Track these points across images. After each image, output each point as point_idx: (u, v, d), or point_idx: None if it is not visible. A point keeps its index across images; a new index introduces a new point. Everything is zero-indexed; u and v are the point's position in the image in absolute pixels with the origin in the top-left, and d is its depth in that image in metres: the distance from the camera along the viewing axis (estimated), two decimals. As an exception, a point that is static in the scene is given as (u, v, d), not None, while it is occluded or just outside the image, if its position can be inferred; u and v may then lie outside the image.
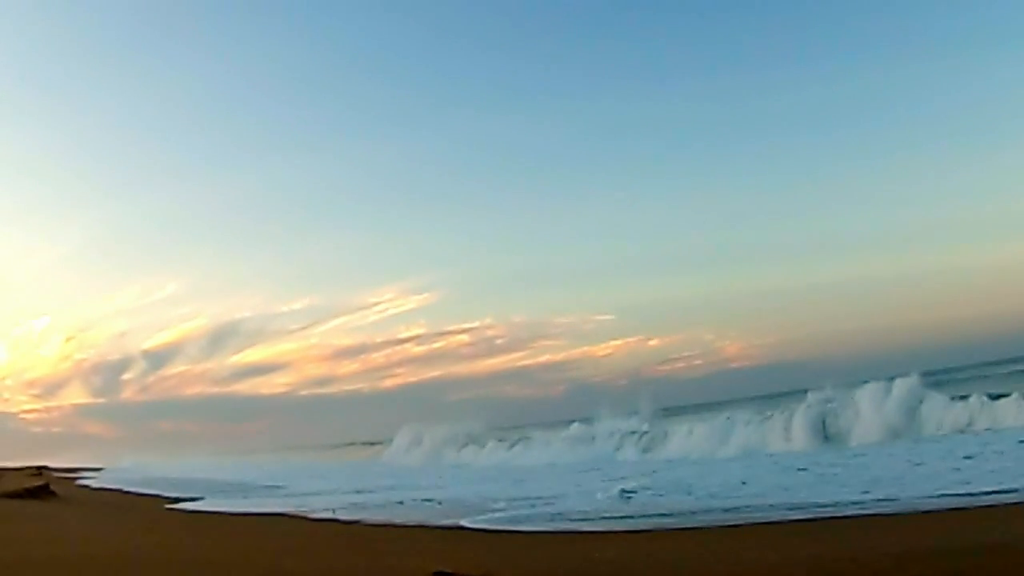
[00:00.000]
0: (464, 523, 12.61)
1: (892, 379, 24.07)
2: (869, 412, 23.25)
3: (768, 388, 28.93)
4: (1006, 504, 10.08)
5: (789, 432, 24.38)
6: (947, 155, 52.56)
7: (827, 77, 54.40)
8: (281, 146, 69.15)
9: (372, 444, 55.40)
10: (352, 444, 56.69)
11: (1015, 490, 10.77)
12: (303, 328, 71.18)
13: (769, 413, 26.27)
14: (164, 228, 66.76)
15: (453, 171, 69.93)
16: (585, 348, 64.26)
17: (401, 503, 16.81)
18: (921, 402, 23.08)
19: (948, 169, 53.95)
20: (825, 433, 23.73)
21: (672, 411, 31.53)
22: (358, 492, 20.31)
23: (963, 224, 47.99)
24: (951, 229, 50.36)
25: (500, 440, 36.39)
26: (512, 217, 68.42)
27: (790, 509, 11.31)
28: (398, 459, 38.99)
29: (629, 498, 13.81)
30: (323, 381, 69.68)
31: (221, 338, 65.30)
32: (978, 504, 10.31)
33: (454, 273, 72.48)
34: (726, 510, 11.84)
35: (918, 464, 15.24)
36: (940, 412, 22.43)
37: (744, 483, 14.76)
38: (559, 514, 12.76)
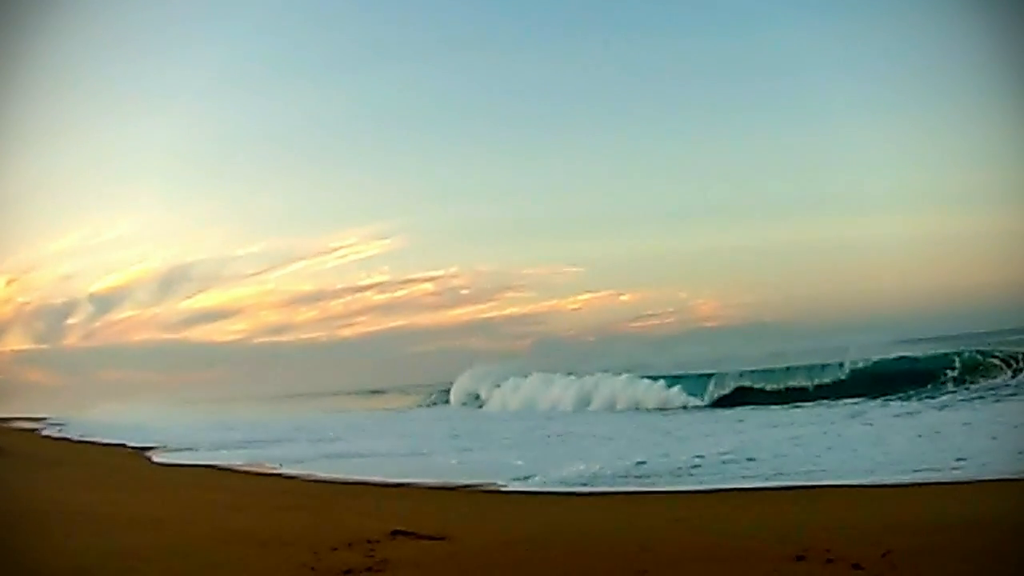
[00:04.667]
0: (430, 482, 12.01)
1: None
2: None
3: (745, 350, 28.49)
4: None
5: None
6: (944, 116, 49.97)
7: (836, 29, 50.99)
8: (238, 82, 65.99)
9: (335, 395, 54.66)
10: (311, 395, 55.82)
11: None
12: (259, 273, 69.13)
13: None
14: (114, 165, 63.77)
15: (422, 113, 67.67)
16: (554, 301, 63.41)
17: (362, 457, 16.17)
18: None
19: (931, 132, 52.05)
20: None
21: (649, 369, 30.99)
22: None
23: (963, 189, 46.33)
24: (947, 193, 48.94)
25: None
26: (482, 162, 66.69)
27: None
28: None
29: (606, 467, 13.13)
30: (279, 329, 68.01)
31: (172, 282, 63.42)
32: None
33: (420, 219, 70.52)
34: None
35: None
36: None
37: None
38: (530, 474, 12.18)
